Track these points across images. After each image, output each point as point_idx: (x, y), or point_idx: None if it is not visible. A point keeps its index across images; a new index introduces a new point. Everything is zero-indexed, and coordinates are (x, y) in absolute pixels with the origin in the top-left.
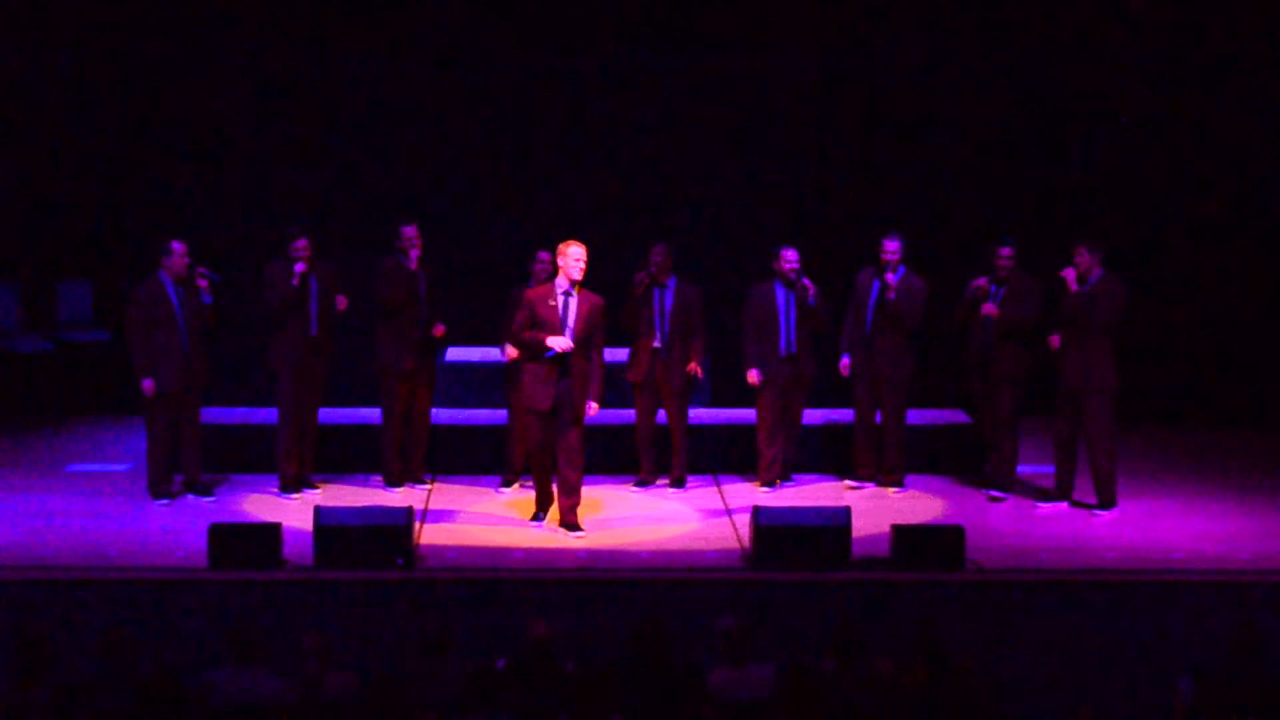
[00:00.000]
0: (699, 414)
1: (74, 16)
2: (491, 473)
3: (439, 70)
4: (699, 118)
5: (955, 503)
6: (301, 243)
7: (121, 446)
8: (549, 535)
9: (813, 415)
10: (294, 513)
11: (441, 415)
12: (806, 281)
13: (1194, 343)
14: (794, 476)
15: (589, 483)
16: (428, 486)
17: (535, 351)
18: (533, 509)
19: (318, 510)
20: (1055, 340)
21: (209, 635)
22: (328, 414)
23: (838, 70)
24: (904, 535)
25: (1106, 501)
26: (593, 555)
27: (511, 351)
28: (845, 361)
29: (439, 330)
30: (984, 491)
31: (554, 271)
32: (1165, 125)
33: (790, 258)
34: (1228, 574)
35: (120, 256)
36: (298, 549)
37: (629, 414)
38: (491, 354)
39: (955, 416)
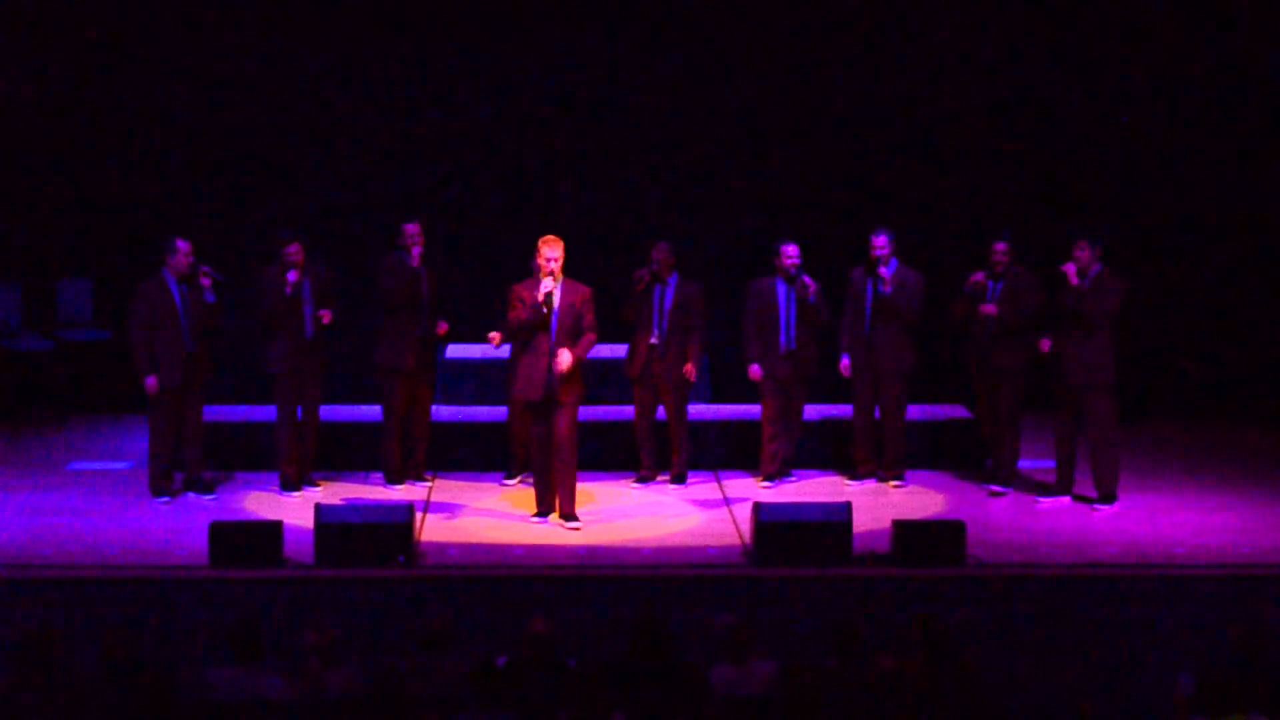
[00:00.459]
0: (699, 410)
1: (74, 15)
2: (492, 470)
3: (439, 67)
4: (698, 114)
5: (956, 498)
6: (293, 248)
7: (122, 445)
8: (550, 532)
9: (813, 411)
10: (295, 510)
11: (442, 412)
12: (806, 279)
13: (1194, 337)
14: (794, 472)
15: (590, 479)
16: (428, 484)
17: (526, 332)
18: (534, 503)
19: (318, 508)
20: (1046, 343)
21: (210, 633)
22: (329, 411)
23: (838, 65)
24: (905, 530)
25: (1107, 496)
26: (593, 552)
27: (495, 336)
28: (845, 362)
29: (442, 328)
30: (985, 486)
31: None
32: (1167, 121)
33: (790, 253)
34: (1229, 568)
35: (120, 255)
36: (299, 547)
37: (628, 410)
38: (492, 351)
39: (956, 411)
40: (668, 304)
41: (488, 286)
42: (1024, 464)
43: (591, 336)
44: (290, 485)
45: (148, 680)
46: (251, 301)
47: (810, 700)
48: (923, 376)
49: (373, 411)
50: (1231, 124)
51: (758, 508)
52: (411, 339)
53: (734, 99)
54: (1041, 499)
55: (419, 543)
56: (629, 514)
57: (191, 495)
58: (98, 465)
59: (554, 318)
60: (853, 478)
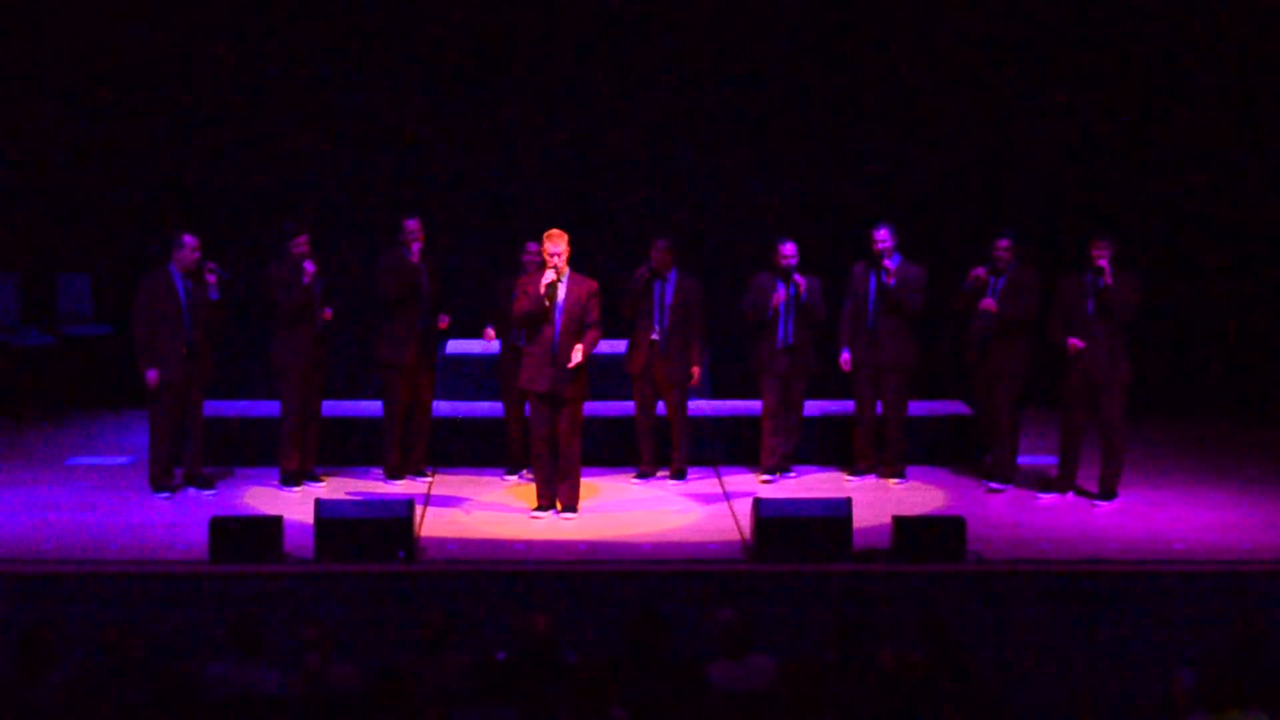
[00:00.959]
0: (699, 406)
1: (75, 11)
2: (492, 465)
3: (438, 62)
4: (697, 110)
5: (956, 493)
6: (302, 238)
7: (122, 440)
8: (550, 528)
9: (813, 406)
10: (295, 506)
11: (442, 408)
12: (799, 278)
13: (1194, 334)
14: (794, 468)
15: (590, 475)
16: (429, 479)
17: (530, 324)
18: (534, 499)
19: (319, 503)
20: (1075, 342)
21: (210, 628)
22: (330, 406)
23: (837, 62)
24: (905, 526)
25: (1107, 492)
26: (593, 547)
27: (490, 333)
28: (845, 356)
29: (443, 322)
30: (984, 482)
31: (543, 263)
32: (1169, 116)
33: (787, 252)
34: (1229, 565)
35: (120, 250)
36: (299, 542)
37: (629, 406)
38: (493, 347)
39: (956, 407)
40: (668, 300)
41: (487, 282)
42: (1023, 460)
43: (596, 333)
44: (291, 480)
45: (148, 675)
46: (265, 297)
47: (809, 696)
48: (923, 372)
49: (373, 407)
50: (1235, 119)
51: (758, 503)
52: (412, 335)
53: (735, 95)
54: (1040, 495)
55: (419, 538)
56: (629, 509)
57: (191, 490)
58: (98, 460)
59: (559, 311)
60: (853, 473)
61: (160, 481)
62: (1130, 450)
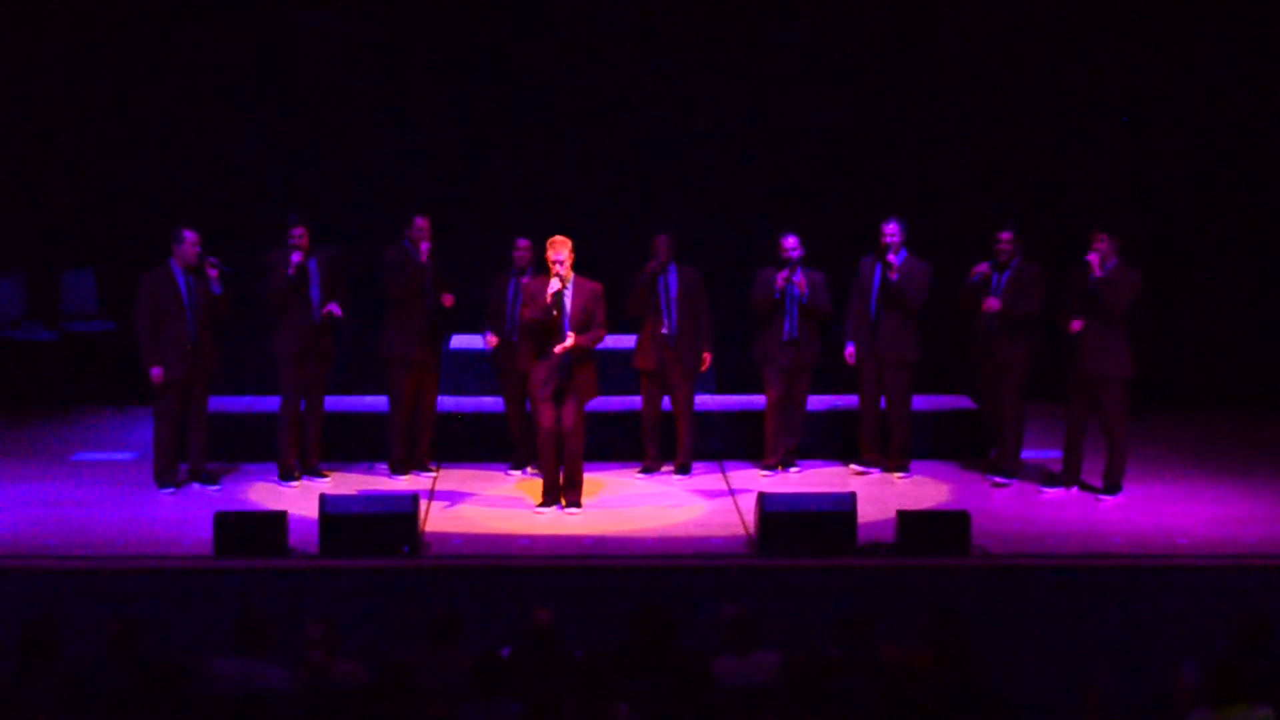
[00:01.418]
0: (704, 400)
1: (77, 7)
2: (496, 460)
3: (439, 58)
4: (697, 107)
5: (960, 488)
6: (298, 230)
7: (126, 436)
8: (554, 522)
9: (817, 401)
10: (299, 501)
11: (446, 403)
12: (797, 277)
13: (1199, 328)
14: (799, 463)
15: (595, 470)
16: (433, 474)
17: (538, 333)
18: (539, 494)
19: (323, 498)
20: (1077, 324)
21: (214, 624)
22: (334, 402)
23: (838, 58)
24: (909, 521)
25: (1112, 486)
26: (598, 542)
27: (492, 339)
28: (850, 349)
29: (448, 300)
30: (989, 477)
31: (532, 258)
32: (1170, 111)
33: (788, 244)
34: (1233, 558)
35: (125, 246)
36: (303, 537)
37: (632, 401)
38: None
39: (960, 402)
40: (674, 293)
41: (487, 278)
42: (1028, 454)
43: (600, 331)
44: (289, 476)
45: (152, 671)
46: (258, 283)
47: (813, 691)
48: (927, 367)
49: (378, 402)
50: (1238, 114)
51: (762, 498)
52: (418, 330)
53: (736, 92)
54: (1045, 489)
55: (423, 533)
56: (633, 504)
57: (196, 486)
58: (102, 456)
59: (565, 319)
60: (858, 467)
61: (165, 477)
62: (1134, 444)
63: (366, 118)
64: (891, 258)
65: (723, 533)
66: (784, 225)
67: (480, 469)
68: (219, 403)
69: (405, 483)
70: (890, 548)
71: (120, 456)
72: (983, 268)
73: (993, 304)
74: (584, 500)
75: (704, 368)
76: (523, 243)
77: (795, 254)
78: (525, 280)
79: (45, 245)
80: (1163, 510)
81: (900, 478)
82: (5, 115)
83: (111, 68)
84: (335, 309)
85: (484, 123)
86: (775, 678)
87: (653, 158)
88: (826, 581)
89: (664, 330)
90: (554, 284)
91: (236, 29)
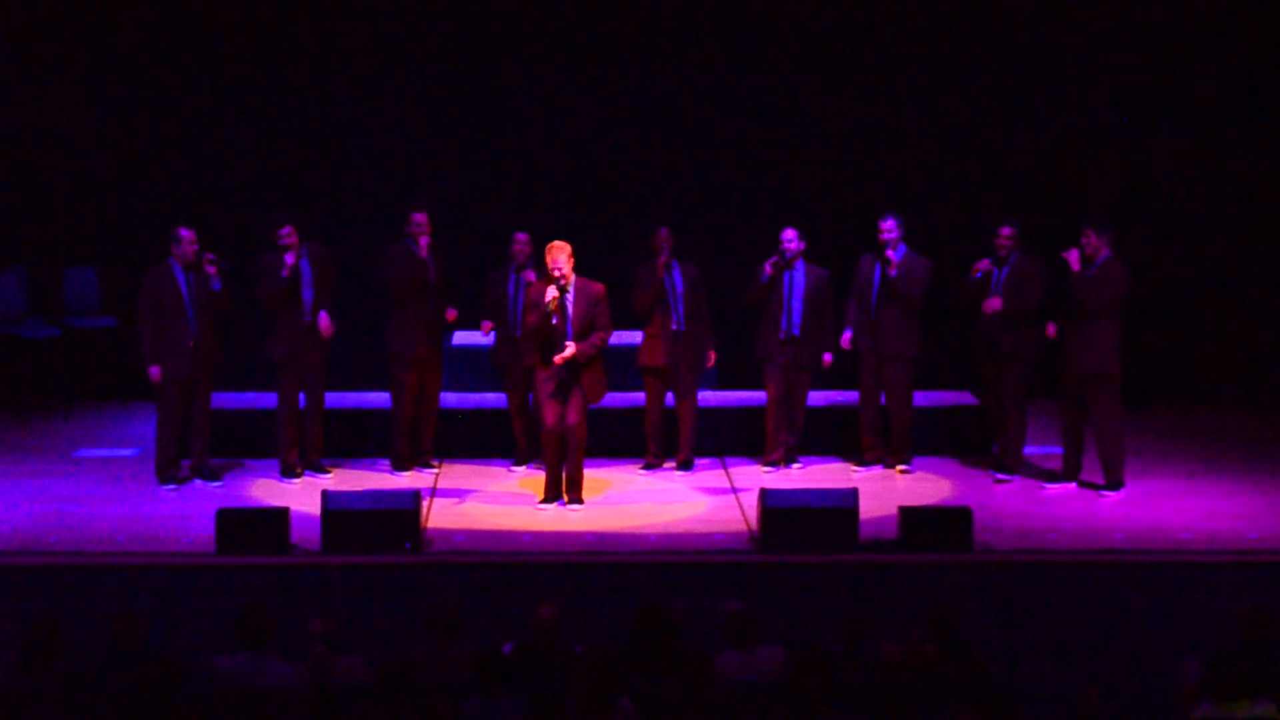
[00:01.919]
0: (706, 397)
1: (80, 6)
2: (499, 456)
3: (438, 55)
4: (698, 102)
5: (962, 484)
6: (286, 230)
7: (129, 432)
8: (556, 519)
9: (819, 397)
10: (302, 497)
11: (448, 399)
12: (800, 275)
13: (1201, 323)
14: (800, 459)
15: (597, 466)
16: (435, 470)
17: (540, 338)
18: (541, 490)
19: (325, 495)
20: (1051, 328)
21: (217, 620)
22: (336, 399)
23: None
24: (911, 517)
25: (1114, 482)
26: (600, 538)
27: (488, 327)
28: (847, 335)
29: (451, 314)
30: (991, 473)
31: (531, 252)
32: (1170, 107)
33: (786, 237)
34: (1235, 554)
35: (126, 243)
36: (305, 534)
37: (634, 397)
38: (491, 340)
39: (962, 398)
40: (680, 289)
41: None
42: (1030, 450)
43: (603, 335)
44: (291, 472)
45: (154, 667)
46: (252, 287)
47: (816, 686)
48: (929, 363)
49: (379, 399)
50: (1237, 105)
51: (764, 494)
52: (421, 327)
53: (737, 89)
54: (1047, 485)
55: (426, 529)
56: (636, 500)
57: (198, 482)
58: (104, 452)
59: (568, 323)
60: (859, 464)
61: (167, 473)
62: (1135, 440)
63: (367, 115)
64: (890, 254)
65: (725, 529)
66: (783, 223)
67: (482, 465)
68: (221, 399)
69: (407, 479)
70: (892, 544)
71: (122, 453)
72: (984, 264)
73: (995, 304)
74: (587, 497)
75: (709, 364)
76: (521, 237)
77: (792, 246)
78: (527, 275)
79: (47, 241)
80: (1164, 506)
81: (902, 473)
82: (8, 111)
83: (111, 65)
84: (325, 323)
85: (484, 121)
86: (777, 673)
87: (652, 156)
88: (828, 577)
89: (673, 327)
90: (550, 291)
91: (239, 25)
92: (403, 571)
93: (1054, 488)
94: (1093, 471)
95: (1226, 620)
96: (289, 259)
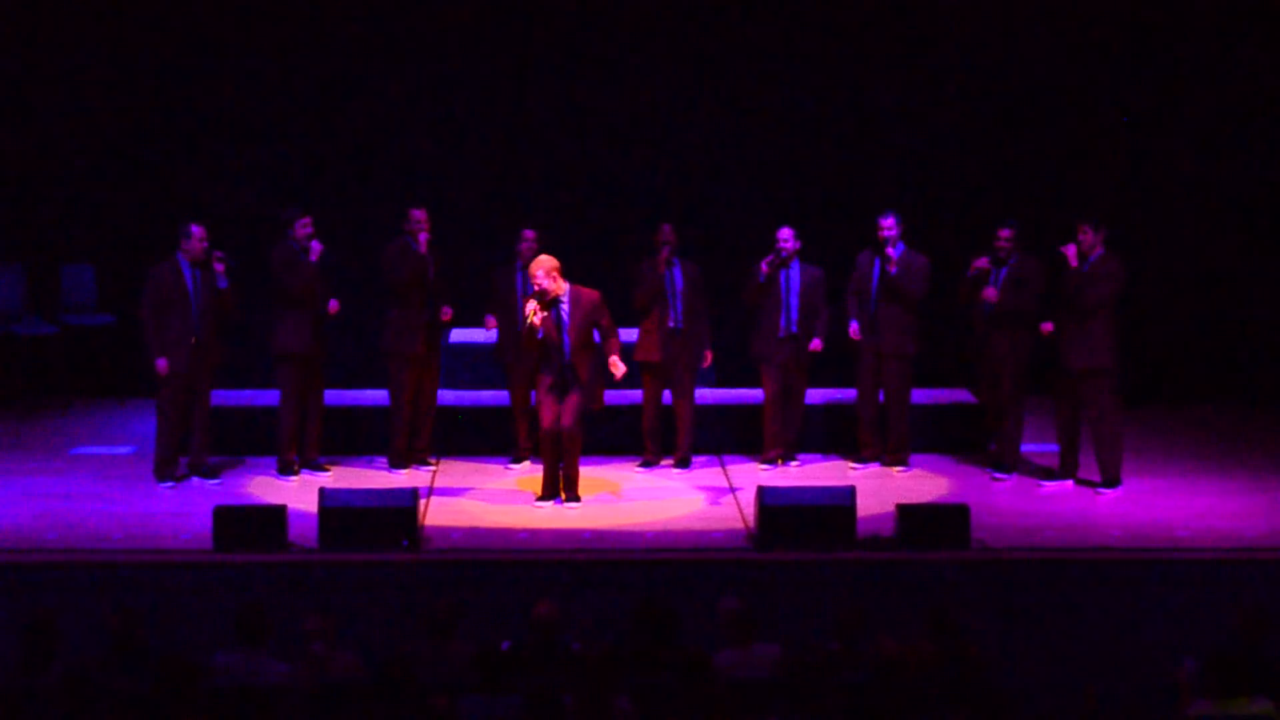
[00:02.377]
0: (703, 394)
1: (78, 3)
2: (496, 454)
3: (438, 53)
4: (698, 101)
5: (960, 482)
6: (304, 220)
7: (126, 429)
8: (554, 516)
9: (817, 395)
10: (299, 495)
11: (446, 396)
12: (796, 275)
13: (1199, 320)
14: (799, 457)
15: (594, 464)
16: (433, 468)
17: (539, 346)
18: (539, 487)
19: (323, 492)
20: (1047, 326)
21: (214, 618)
22: (334, 396)
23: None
24: (909, 514)
25: (1111, 480)
26: (598, 536)
27: (492, 322)
28: (854, 326)
29: (447, 314)
30: (988, 471)
31: (539, 249)
32: (1170, 106)
33: (783, 236)
34: (1233, 552)
35: (124, 240)
36: (303, 531)
37: (631, 395)
38: (494, 336)
39: (959, 395)
40: (679, 286)
41: (486, 272)
42: (1027, 448)
43: (614, 340)
44: (289, 470)
45: (152, 665)
46: (273, 281)
47: (813, 683)
48: (926, 361)
49: (377, 396)
50: (1235, 102)
51: (762, 492)
52: (419, 324)
53: (737, 87)
54: (1044, 483)
55: (423, 527)
56: (633, 498)
57: (196, 480)
58: (101, 450)
59: (564, 335)
60: (857, 462)
61: (165, 471)
62: (1132, 437)
63: (367, 112)
64: (890, 251)
65: (722, 526)
66: (781, 222)
67: (480, 463)
68: (220, 396)
69: (405, 476)
70: (890, 541)
71: (119, 450)
72: (982, 262)
73: (990, 293)
74: (584, 495)
75: (706, 364)
76: (529, 234)
77: (788, 245)
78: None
79: (45, 238)
80: (1162, 503)
81: (900, 471)
82: (7, 109)
83: (112, 62)
84: (332, 306)
85: (483, 120)
86: (775, 671)
87: (652, 155)
88: (826, 575)
89: (670, 324)
90: (530, 306)
91: (239, 22)
92: (400, 569)
93: (1051, 485)
94: (1090, 469)
95: (1224, 618)
96: (316, 246)
